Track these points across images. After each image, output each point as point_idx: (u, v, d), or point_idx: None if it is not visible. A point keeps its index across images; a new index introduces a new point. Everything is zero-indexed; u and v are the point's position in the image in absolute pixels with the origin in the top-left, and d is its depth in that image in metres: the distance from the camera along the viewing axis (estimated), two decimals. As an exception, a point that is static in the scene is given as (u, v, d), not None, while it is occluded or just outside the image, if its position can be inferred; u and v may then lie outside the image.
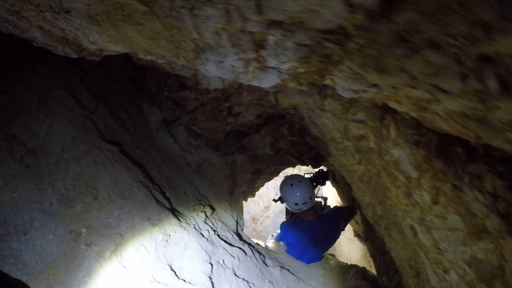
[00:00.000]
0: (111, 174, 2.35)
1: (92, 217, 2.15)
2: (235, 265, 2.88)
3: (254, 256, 3.32)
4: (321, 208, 3.81)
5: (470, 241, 1.43)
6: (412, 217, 1.75)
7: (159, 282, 2.22)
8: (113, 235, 2.13)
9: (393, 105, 1.36)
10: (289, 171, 4.91)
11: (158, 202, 2.48)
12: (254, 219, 7.56)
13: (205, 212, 3.06)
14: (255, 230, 7.43)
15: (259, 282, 3.04)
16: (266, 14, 0.86)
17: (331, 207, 3.96)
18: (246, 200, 4.51)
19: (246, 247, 3.28)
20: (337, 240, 6.14)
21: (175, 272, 2.35)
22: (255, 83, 1.52)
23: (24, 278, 1.92)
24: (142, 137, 3.20)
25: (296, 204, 3.35)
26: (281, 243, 3.97)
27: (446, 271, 1.72)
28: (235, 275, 2.80)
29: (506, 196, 1.11)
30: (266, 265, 3.43)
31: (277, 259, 3.77)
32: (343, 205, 3.89)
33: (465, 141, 1.20)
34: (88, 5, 1.06)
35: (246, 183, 3.99)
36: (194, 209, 3.02)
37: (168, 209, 2.53)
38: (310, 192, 3.29)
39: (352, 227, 4.87)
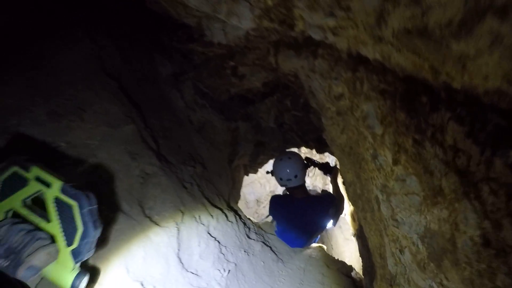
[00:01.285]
0: (103, 103, 2.39)
1: (74, 135, 2.19)
2: (211, 224, 2.86)
3: (237, 224, 3.29)
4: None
5: (425, 208, 1.32)
6: (377, 185, 1.65)
7: (125, 214, 2.24)
8: (89, 155, 2.17)
9: (362, 50, 1.30)
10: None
11: (144, 141, 2.50)
12: (258, 201, 7.55)
13: (194, 167, 3.07)
14: (257, 213, 7.42)
15: (233, 248, 3.00)
16: None
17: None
18: (247, 175, 4.49)
19: (230, 213, 3.25)
20: (334, 238, 6.09)
21: (144, 210, 2.36)
22: (234, 20, 1.52)
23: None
24: (149, 85, 3.25)
25: (280, 179, 3.37)
26: (274, 223, 3.96)
27: (401, 250, 1.61)
28: (208, 233, 2.78)
29: (465, 149, 1.02)
30: (248, 237, 3.40)
31: (263, 236, 3.74)
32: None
33: (430, 88, 1.12)
34: None
35: (248, 155, 3.96)
36: (184, 161, 3.03)
37: (152, 150, 2.54)
38: (296, 170, 3.30)
39: (351, 225, 4.74)
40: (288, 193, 3.76)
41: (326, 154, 4.83)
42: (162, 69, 3.30)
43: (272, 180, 6.93)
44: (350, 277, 3.61)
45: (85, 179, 2.10)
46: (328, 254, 4.05)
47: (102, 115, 2.34)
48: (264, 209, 7.45)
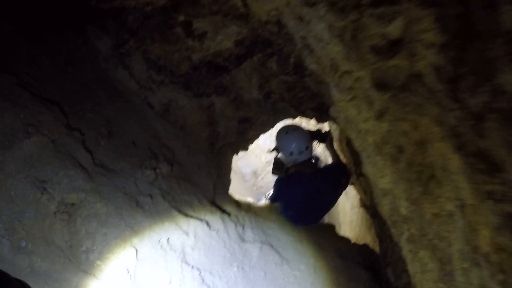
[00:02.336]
0: (-16, 112, 1.57)
1: None
2: (187, 245, 2.14)
3: (226, 229, 2.56)
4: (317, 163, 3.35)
5: None
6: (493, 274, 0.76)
7: (44, 276, 1.50)
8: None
9: None
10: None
11: (60, 155, 1.70)
12: (255, 173, 6.91)
13: (156, 169, 2.28)
14: (255, 186, 6.83)
15: (222, 267, 2.29)
16: None
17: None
18: (237, 154, 3.73)
19: (214, 217, 2.52)
20: (341, 205, 5.49)
21: (78, 259, 1.62)
22: None
23: None
24: (82, 67, 2.40)
25: (291, 154, 2.99)
26: (276, 204, 3.35)
27: None
28: (184, 261, 2.06)
29: None
30: (243, 241, 2.68)
31: (262, 230, 3.03)
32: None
33: None
34: None
35: (234, 134, 3.18)
36: (141, 163, 2.25)
37: (78, 165, 1.75)
38: (307, 141, 2.97)
39: (359, 195, 4.09)
40: (291, 171, 3.24)
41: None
42: (99, 43, 2.43)
43: (267, 148, 6.33)
44: (368, 268, 2.96)
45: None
46: (340, 237, 3.42)
47: (-16, 132, 1.52)
48: (263, 181, 6.81)
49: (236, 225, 2.75)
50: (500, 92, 0.66)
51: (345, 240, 3.35)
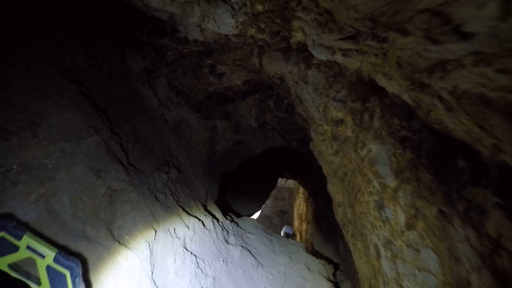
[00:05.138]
0: (60, 113, 2.11)
1: (27, 155, 1.92)
2: (187, 236, 2.67)
3: (215, 230, 3.10)
4: None
5: (443, 294, 1.08)
6: (379, 235, 1.46)
7: (91, 241, 2.01)
8: (45, 178, 1.90)
9: (381, 81, 1.08)
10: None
11: (109, 153, 2.24)
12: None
13: (168, 173, 2.83)
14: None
15: (211, 259, 2.83)
16: None
17: None
18: (225, 172, 4.29)
19: (207, 219, 3.06)
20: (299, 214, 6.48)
21: (112, 232, 2.13)
22: (210, 24, 1.26)
23: None
24: (118, 82, 2.94)
25: None
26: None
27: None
28: (185, 247, 2.59)
29: None
30: (227, 243, 3.22)
31: (242, 237, 3.59)
32: None
33: (474, 152, 0.90)
34: None
35: (228, 153, 3.76)
36: (158, 167, 2.79)
37: (120, 163, 2.29)
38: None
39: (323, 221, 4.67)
40: None
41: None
42: (133, 63, 2.99)
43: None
44: (331, 281, 3.53)
45: (42, 207, 1.84)
46: (309, 255, 3.97)
47: (60, 128, 2.05)
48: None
49: (222, 229, 3.30)
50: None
51: (313, 257, 3.90)
